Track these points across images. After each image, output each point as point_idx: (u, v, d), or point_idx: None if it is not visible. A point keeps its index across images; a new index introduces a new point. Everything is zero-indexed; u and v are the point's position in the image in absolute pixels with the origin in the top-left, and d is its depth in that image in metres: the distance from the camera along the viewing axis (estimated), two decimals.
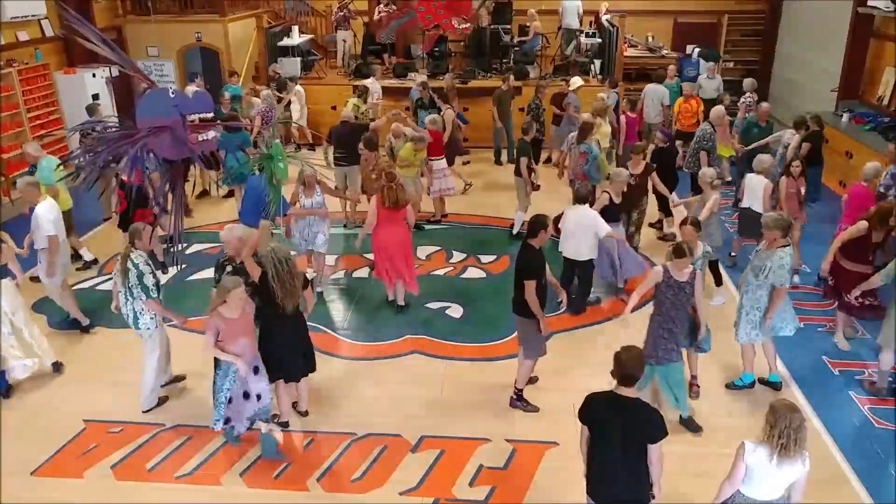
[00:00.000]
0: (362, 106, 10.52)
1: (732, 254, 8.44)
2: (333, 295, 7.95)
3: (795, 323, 5.92)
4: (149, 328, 5.65)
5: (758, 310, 5.74)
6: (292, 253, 5.49)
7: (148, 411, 5.84)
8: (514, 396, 5.90)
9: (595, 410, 3.89)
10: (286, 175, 6.46)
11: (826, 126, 9.73)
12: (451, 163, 10.59)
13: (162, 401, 5.97)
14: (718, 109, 9.48)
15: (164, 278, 7.25)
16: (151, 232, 5.81)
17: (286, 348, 5.37)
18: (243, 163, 8.06)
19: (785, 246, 5.61)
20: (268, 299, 5.20)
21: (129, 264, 5.48)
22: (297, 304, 5.27)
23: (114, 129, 5.19)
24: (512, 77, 12.10)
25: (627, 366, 3.78)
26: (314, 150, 11.36)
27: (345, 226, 9.73)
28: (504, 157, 12.35)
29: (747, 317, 5.82)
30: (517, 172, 8.92)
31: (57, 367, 6.44)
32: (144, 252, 5.61)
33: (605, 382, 6.10)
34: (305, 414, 5.79)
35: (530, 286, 5.40)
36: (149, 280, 5.49)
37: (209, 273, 8.23)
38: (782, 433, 3.56)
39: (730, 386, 6.09)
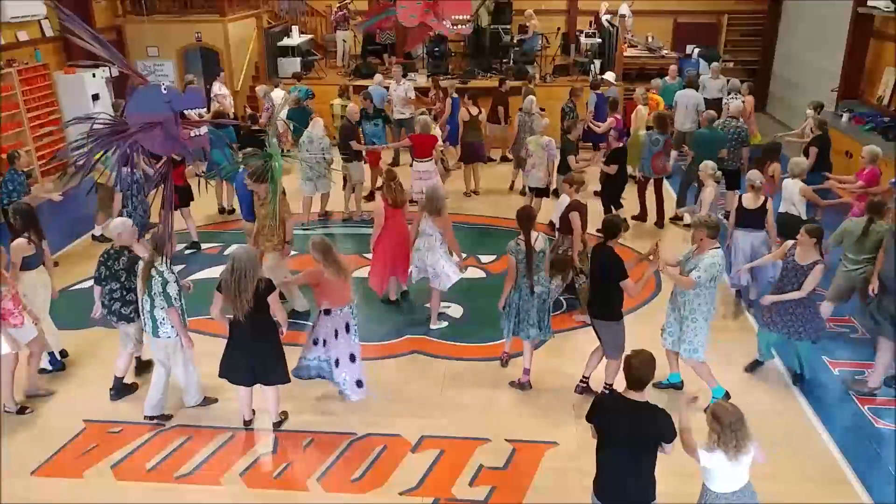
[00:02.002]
0: (348, 104, 10.56)
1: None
2: None
3: (702, 352, 5.70)
4: (169, 336, 5.48)
5: (693, 320, 5.56)
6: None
7: (193, 406, 5.84)
8: (582, 385, 6.02)
9: (603, 413, 3.90)
10: (280, 173, 6.48)
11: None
12: (466, 162, 10.77)
13: (209, 400, 5.91)
14: (738, 104, 9.50)
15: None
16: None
17: (232, 352, 5.34)
18: (229, 158, 8.04)
19: (716, 248, 5.45)
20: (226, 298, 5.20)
21: (154, 272, 5.33)
22: (244, 313, 5.09)
23: (105, 126, 5.21)
24: (536, 77, 12.02)
25: (637, 370, 3.78)
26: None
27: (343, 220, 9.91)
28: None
29: (688, 328, 5.61)
30: (560, 171, 9.06)
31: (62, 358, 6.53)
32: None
33: (602, 382, 6.16)
34: (277, 425, 5.66)
35: (627, 284, 5.43)
36: (172, 289, 5.36)
37: (207, 273, 8.28)
38: (730, 436, 3.67)
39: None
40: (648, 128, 9.86)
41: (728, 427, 3.67)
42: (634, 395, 3.81)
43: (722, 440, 3.68)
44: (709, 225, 5.47)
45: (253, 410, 5.67)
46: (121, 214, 7.82)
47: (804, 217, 7.59)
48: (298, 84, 12.35)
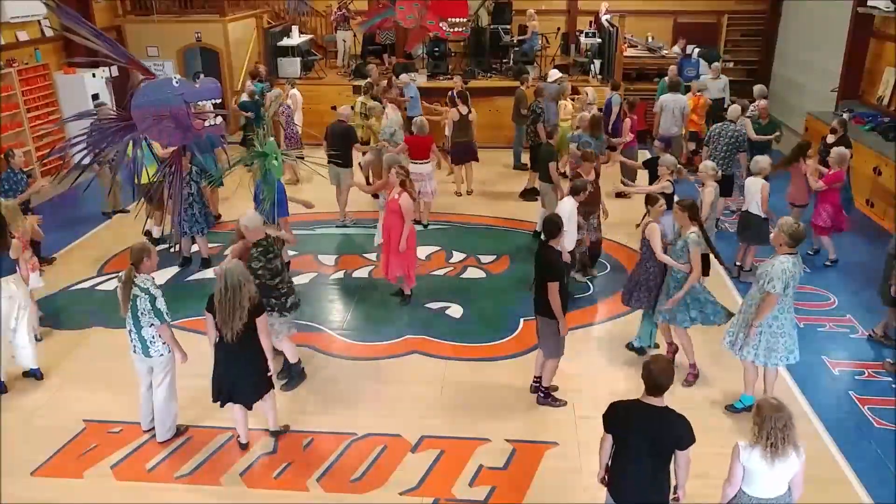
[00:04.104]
0: (370, 102, 10.55)
1: (737, 263, 8.23)
2: (333, 295, 7.95)
3: (796, 354, 5.51)
4: (162, 354, 5.25)
5: (767, 325, 5.36)
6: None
7: (165, 442, 5.49)
8: (542, 394, 5.94)
9: (621, 418, 3.87)
10: (280, 173, 6.47)
11: (826, 126, 9.73)
12: (458, 162, 10.74)
13: (181, 430, 5.61)
14: (735, 108, 9.44)
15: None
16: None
17: (218, 371, 5.11)
18: (209, 163, 8.02)
19: (791, 254, 5.24)
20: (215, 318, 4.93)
21: (137, 290, 5.03)
22: (236, 333, 4.83)
23: (110, 120, 5.26)
24: (530, 77, 11.90)
25: (656, 375, 3.74)
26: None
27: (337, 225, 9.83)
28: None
29: (775, 339, 5.39)
30: (543, 178, 8.86)
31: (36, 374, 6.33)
32: (150, 274, 5.18)
33: (601, 383, 6.16)
34: (274, 434, 5.51)
35: (554, 287, 5.38)
36: (161, 304, 5.08)
37: (210, 273, 8.28)
38: (770, 434, 3.61)
39: (729, 408, 5.82)
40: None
41: (768, 423, 3.60)
42: (653, 401, 3.79)
43: (759, 436, 3.63)
44: (789, 232, 5.18)
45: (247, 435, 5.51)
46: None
47: (764, 215, 7.62)
48: (254, 82, 12.38)
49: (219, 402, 5.19)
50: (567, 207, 6.99)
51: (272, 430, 5.53)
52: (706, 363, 6.39)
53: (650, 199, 6.33)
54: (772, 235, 5.49)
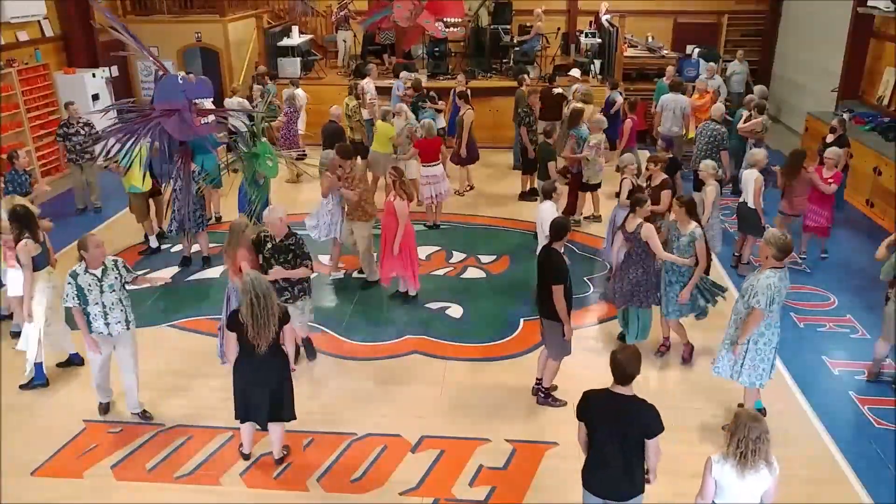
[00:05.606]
0: (352, 103, 10.54)
1: (736, 254, 8.30)
2: (333, 295, 7.95)
3: (768, 377, 5.35)
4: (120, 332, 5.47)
5: (753, 342, 5.20)
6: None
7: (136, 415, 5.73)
8: (542, 394, 5.96)
9: (592, 407, 3.94)
10: (275, 173, 6.45)
11: (826, 126, 9.72)
12: (466, 163, 10.72)
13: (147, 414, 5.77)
14: (719, 107, 9.46)
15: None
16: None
17: (247, 388, 4.93)
18: (212, 164, 8.03)
19: (777, 268, 5.03)
20: (241, 333, 4.75)
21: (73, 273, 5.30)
22: (270, 344, 4.73)
23: (134, 112, 5.47)
24: (528, 78, 11.89)
25: (623, 364, 3.81)
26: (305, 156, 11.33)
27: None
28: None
29: (749, 356, 5.26)
30: (542, 177, 8.92)
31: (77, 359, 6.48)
32: (94, 266, 5.32)
33: (601, 383, 6.15)
34: (279, 462, 5.29)
35: (558, 290, 5.37)
36: (66, 289, 5.30)
37: (210, 273, 8.29)
38: (740, 442, 3.57)
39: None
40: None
41: (740, 431, 3.55)
42: (621, 390, 3.84)
43: (730, 443, 3.59)
44: (777, 245, 4.96)
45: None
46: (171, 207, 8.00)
47: (758, 208, 7.64)
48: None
49: (240, 418, 5.09)
50: (545, 211, 6.84)
51: (277, 459, 5.30)
52: (705, 359, 6.39)
53: (637, 201, 6.29)
54: (758, 248, 5.44)
